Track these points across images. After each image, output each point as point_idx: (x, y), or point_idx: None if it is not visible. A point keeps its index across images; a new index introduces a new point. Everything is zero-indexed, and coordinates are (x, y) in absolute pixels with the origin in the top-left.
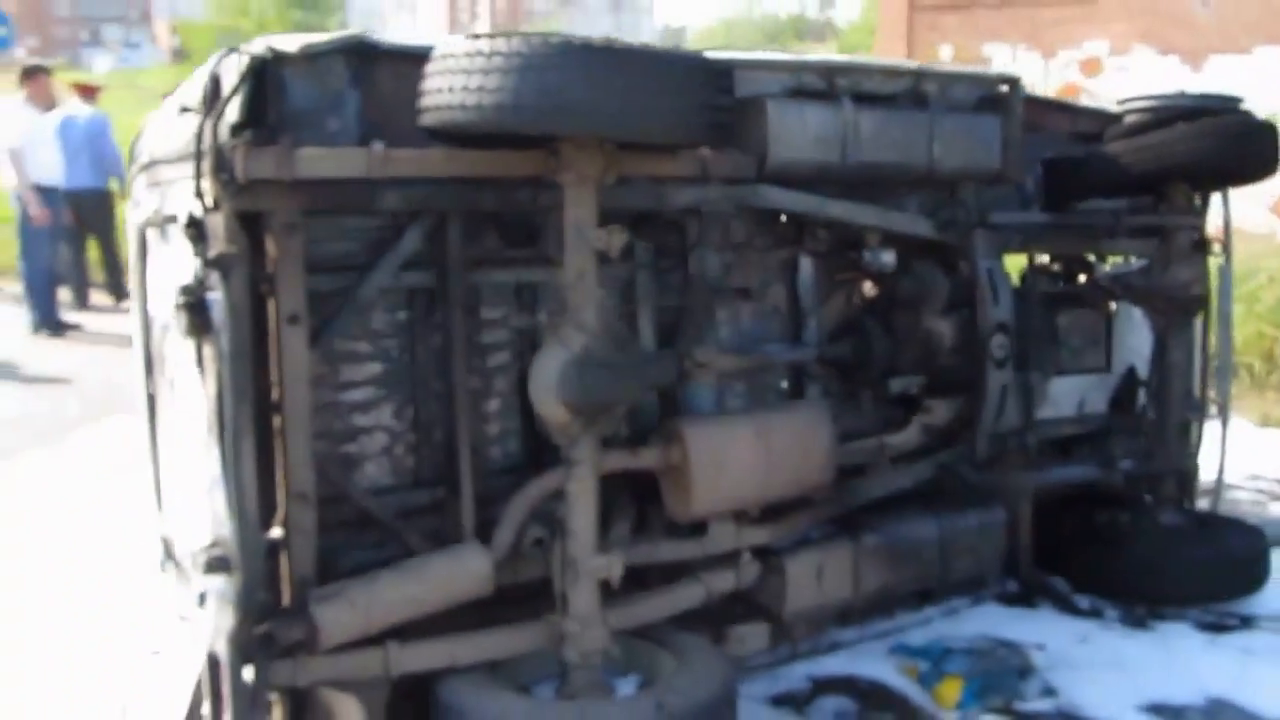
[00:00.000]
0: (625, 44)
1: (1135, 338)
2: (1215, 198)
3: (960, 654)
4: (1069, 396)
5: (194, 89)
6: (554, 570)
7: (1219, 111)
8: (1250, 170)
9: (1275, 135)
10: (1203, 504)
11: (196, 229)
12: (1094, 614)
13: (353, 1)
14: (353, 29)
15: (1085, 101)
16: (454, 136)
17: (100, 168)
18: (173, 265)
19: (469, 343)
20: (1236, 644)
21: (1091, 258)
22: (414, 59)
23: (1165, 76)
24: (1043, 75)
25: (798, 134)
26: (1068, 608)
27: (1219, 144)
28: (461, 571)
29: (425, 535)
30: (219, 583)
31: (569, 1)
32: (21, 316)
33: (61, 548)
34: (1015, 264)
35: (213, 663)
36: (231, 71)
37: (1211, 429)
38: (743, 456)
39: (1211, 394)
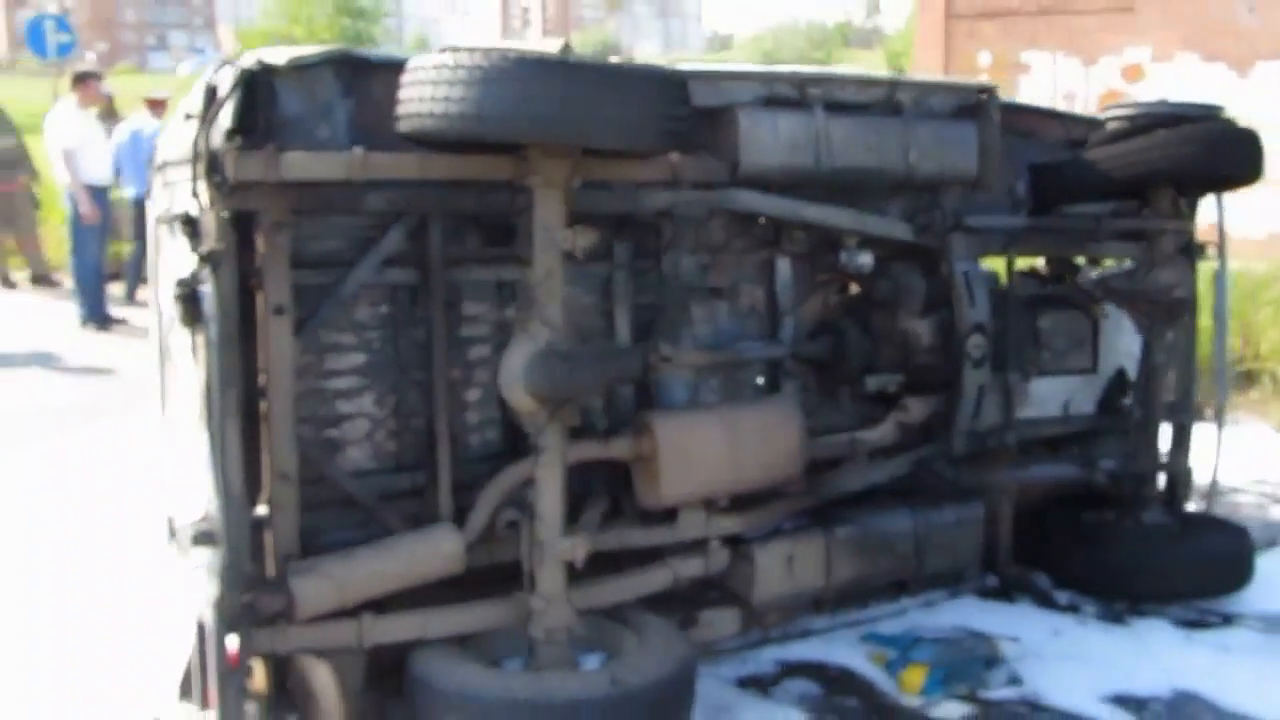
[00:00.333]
0: (579, 58)
1: (1125, 340)
2: (1217, 203)
3: (929, 643)
4: (1053, 397)
5: (196, 98)
6: (523, 551)
7: (1197, 119)
8: (1227, 176)
9: (1255, 142)
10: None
11: (191, 226)
12: (1072, 609)
13: (407, 8)
14: (342, 42)
15: None
16: (426, 142)
17: None
18: (176, 260)
19: (450, 336)
20: (1212, 640)
21: (1082, 260)
22: (401, 70)
23: (1210, 83)
24: (1083, 82)
25: (769, 140)
26: (1046, 603)
27: (1195, 150)
28: (433, 551)
29: (404, 517)
30: (206, 555)
31: (617, 8)
32: (73, 310)
33: (76, 526)
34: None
35: (201, 630)
36: (225, 82)
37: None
38: (710, 448)
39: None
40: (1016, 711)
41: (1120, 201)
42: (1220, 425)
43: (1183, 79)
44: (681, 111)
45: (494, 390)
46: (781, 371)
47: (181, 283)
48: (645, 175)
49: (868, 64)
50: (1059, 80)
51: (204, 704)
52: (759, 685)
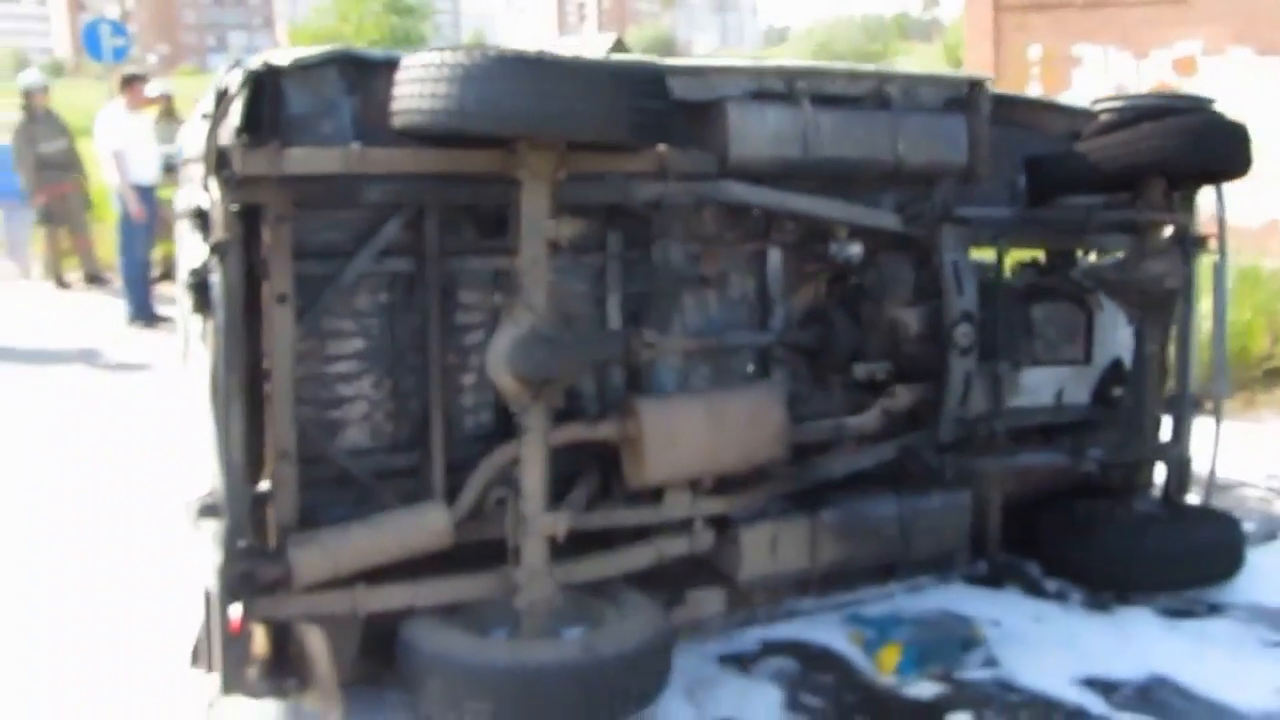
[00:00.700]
0: (554, 55)
1: (1122, 331)
2: (1217, 195)
3: (908, 624)
4: (1045, 387)
5: (209, 99)
6: (509, 526)
7: (1184, 111)
8: (1214, 168)
9: (1242, 135)
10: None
11: (202, 219)
12: (1059, 597)
13: (464, 4)
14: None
15: None
16: (418, 136)
17: None
18: (191, 252)
19: (446, 323)
20: (1193, 629)
21: (1081, 252)
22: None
23: (1264, 77)
24: (1135, 75)
25: (758, 133)
26: (1034, 590)
27: (1180, 142)
28: (423, 526)
29: (399, 494)
30: (211, 527)
31: (674, 3)
32: (122, 308)
33: (105, 505)
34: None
35: (206, 597)
36: (234, 83)
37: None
38: (694, 430)
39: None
40: (989, 692)
41: (1115, 193)
42: (1218, 416)
43: (1236, 72)
44: (658, 106)
45: (487, 375)
46: (771, 359)
47: (193, 272)
48: (633, 167)
49: (925, 57)
50: (1110, 73)
51: (209, 667)
52: (740, 662)
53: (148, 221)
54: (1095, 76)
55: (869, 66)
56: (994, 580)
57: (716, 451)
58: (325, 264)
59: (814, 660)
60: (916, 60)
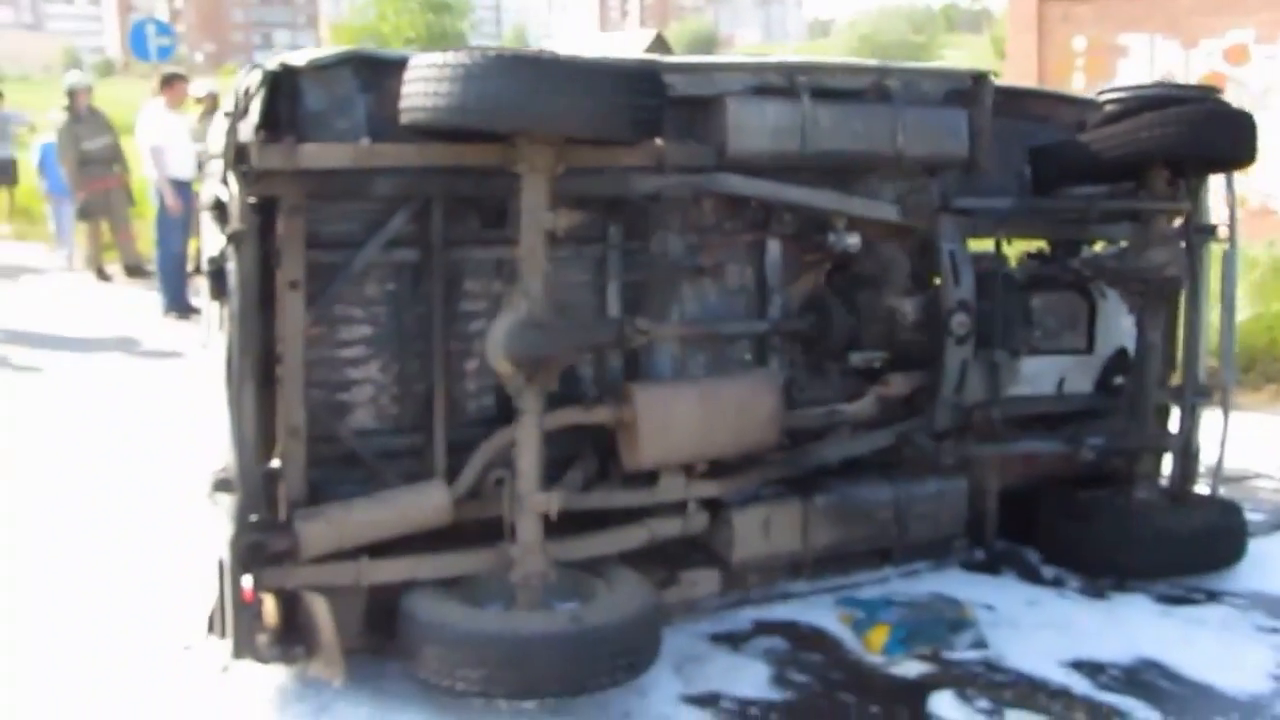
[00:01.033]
0: (551, 55)
1: (1127, 321)
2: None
3: (899, 606)
4: (1046, 376)
5: (231, 98)
6: (505, 505)
7: (1186, 101)
8: (1216, 156)
9: (1245, 124)
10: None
11: (221, 211)
12: (1055, 583)
13: (506, 1)
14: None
15: (1234, 92)
16: (424, 132)
17: None
18: (212, 241)
19: (451, 311)
20: (1187, 615)
21: (1090, 244)
22: None
23: None
24: (1183, 64)
25: (756, 127)
26: (1031, 576)
27: (1181, 131)
28: (423, 503)
29: (403, 474)
30: (225, 500)
31: None
32: (158, 300)
33: (135, 483)
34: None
35: (220, 567)
36: (253, 83)
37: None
38: (687, 416)
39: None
40: (974, 671)
41: (1119, 183)
42: (1226, 406)
43: None
44: (651, 102)
45: None
46: (769, 347)
47: (211, 260)
48: (631, 161)
49: (973, 49)
50: (1157, 63)
51: (223, 634)
52: (731, 641)
53: (184, 215)
54: (1141, 67)
55: (870, 61)
56: (991, 567)
57: (709, 436)
58: (337, 253)
59: (804, 640)
60: (963, 53)
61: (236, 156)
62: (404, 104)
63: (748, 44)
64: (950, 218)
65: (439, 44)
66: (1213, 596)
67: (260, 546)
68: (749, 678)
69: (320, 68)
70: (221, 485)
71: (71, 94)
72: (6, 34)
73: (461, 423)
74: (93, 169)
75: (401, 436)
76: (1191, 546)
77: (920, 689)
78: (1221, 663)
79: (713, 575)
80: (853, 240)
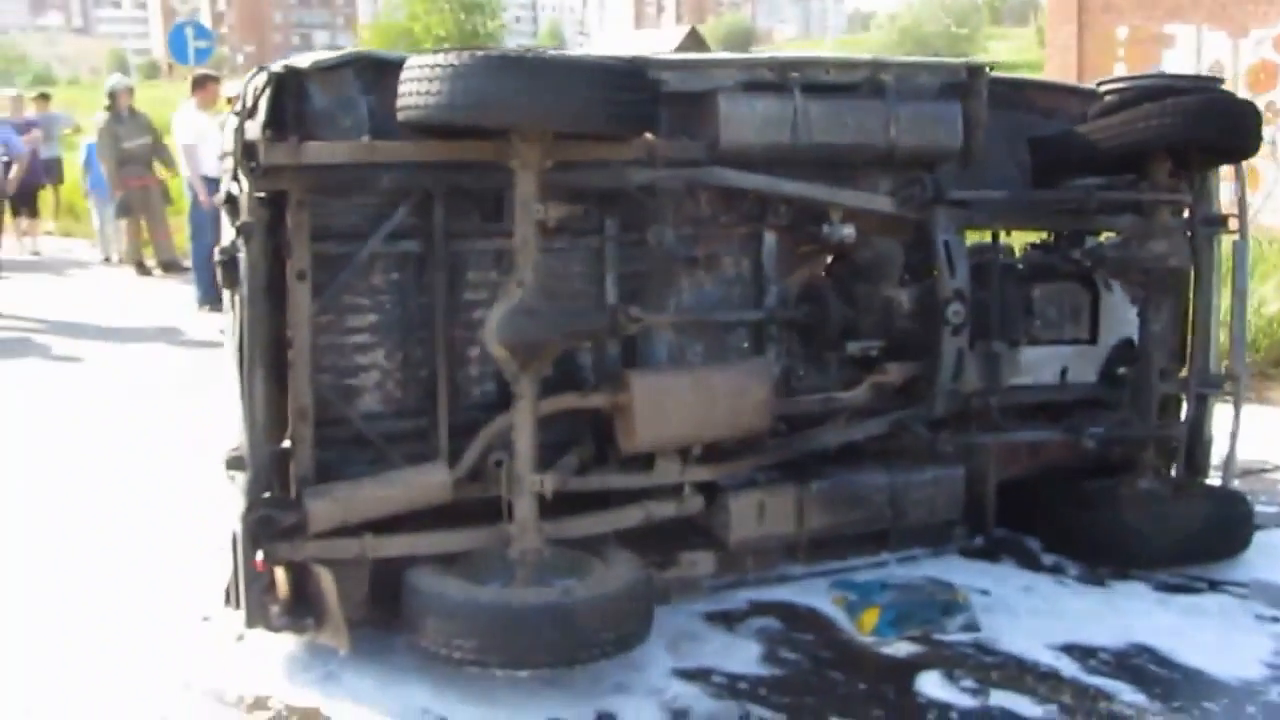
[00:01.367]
0: (536, 54)
1: (1135, 311)
2: (1237, 175)
3: (892, 589)
4: (1048, 366)
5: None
6: (503, 485)
7: (1186, 91)
8: (1216, 147)
9: (1248, 114)
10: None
11: (232, 204)
12: (1055, 570)
13: None
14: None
15: None
16: (417, 128)
17: None
18: (225, 234)
19: (455, 300)
20: (1185, 603)
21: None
22: None
23: None
24: (1231, 55)
25: (747, 121)
26: (1030, 563)
27: (1179, 121)
28: (425, 482)
29: (408, 456)
30: (238, 477)
31: None
32: (193, 293)
33: (167, 464)
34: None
35: (234, 540)
36: (261, 84)
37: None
38: (681, 401)
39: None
40: (964, 653)
41: (1111, 175)
42: (1238, 397)
43: None
44: (633, 97)
45: None
46: (767, 336)
47: (222, 250)
48: (623, 155)
49: (1018, 40)
50: (1204, 53)
51: (237, 605)
52: (727, 620)
53: (216, 211)
54: (1187, 57)
55: (864, 56)
56: (991, 554)
57: (702, 421)
58: (344, 245)
59: (797, 620)
60: (1007, 45)
61: (245, 154)
62: (400, 103)
63: (786, 39)
64: (945, 209)
65: (470, 43)
66: (1214, 585)
67: (270, 521)
68: (741, 655)
69: (324, 69)
70: (234, 463)
71: (112, 95)
72: (57, 37)
73: (465, 407)
74: (131, 168)
75: (407, 420)
76: (1192, 536)
77: (908, 668)
78: (1216, 649)
79: (709, 557)
80: (847, 231)
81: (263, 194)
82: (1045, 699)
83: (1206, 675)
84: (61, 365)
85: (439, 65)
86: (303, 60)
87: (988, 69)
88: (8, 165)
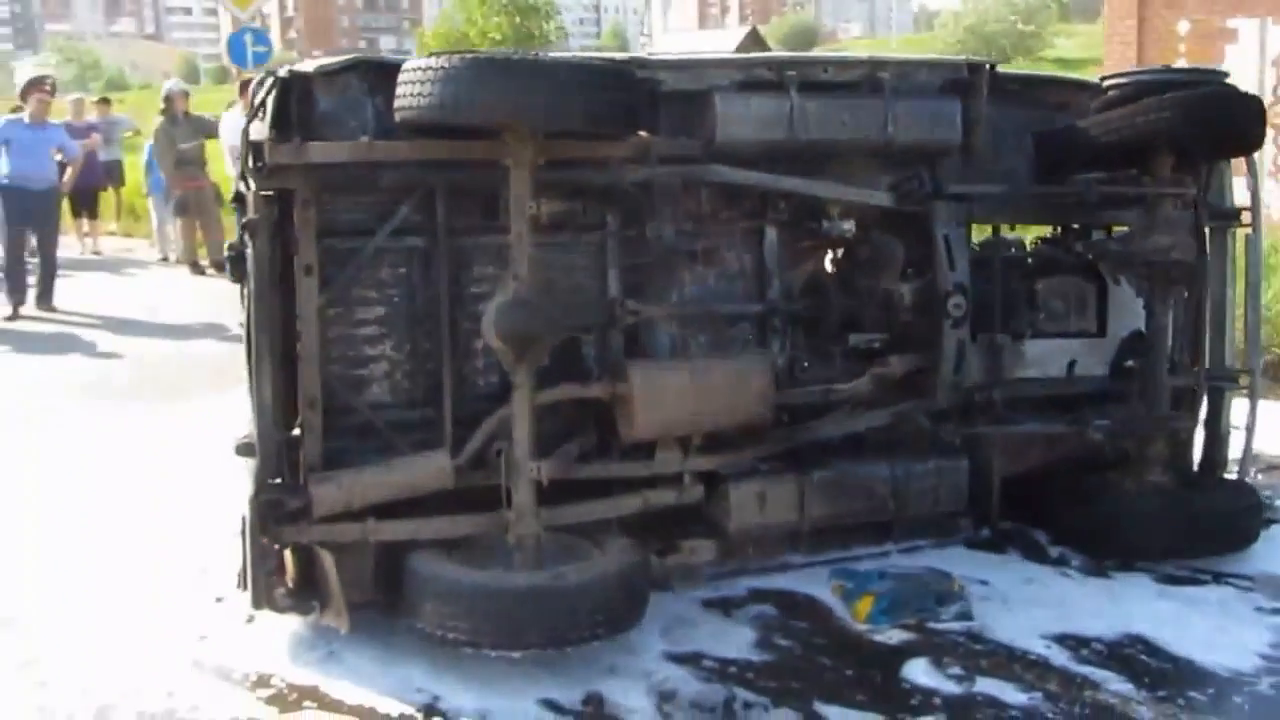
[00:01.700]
0: (522, 56)
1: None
2: (1249, 169)
3: (890, 578)
4: (1055, 358)
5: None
6: (503, 472)
7: (1187, 85)
8: (1216, 140)
9: (1250, 108)
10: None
11: (240, 202)
12: (1059, 562)
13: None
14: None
15: None
16: (414, 129)
17: None
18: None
19: (460, 292)
20: (1187, 595)
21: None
22: None
23: None
24: None
25: (743, 118)
26: (1035, 555)
27: (1179, 115)
28: (427, 469)
29: (414, 444)
30: (248, 463)
31: None
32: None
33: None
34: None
35: (243, 523)
36: (267, 88)
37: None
38: (680, 391)
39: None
40: (955, 641)
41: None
42: (1254, 391)
43: None
44: (619, 98)
45: None
46: (770, 329)
47: (231, 246)
48: (617, 153)
49: (1086, 37)
50: (1269, 47)
51: (245, 587)
52: (724, 606)
53: None
54: (1250, 51)
55: (862, 54)
56: (997, 546)
57: (701, 411)
58: (351, 240)
59: (794, 608)
60: (1074, 41)
61: (252, 154)
62: (396, 104)
63: (850, 38)
64: (945, 203)
65: (524, 46)
66: (1218, 578)
67: (277, 505)
68: (734, 640)
69: (330, 73)
70: (244, 449)
71: (168, 99)
72: (130, 44)
73: (470, 397)
74: (186, 169)
75: (414, 409)
76: (1201, 529)
77: (898, 655)
78: (1211, 641)
79: (710, 545)
80: (847, 226)
81: (268, 192)
82: (1031, 687)
83: (1197, 665)
84: (102, 361)
85: (430, 68)
86: (309, 65)
87: (988, 66)
88: (64, 168)
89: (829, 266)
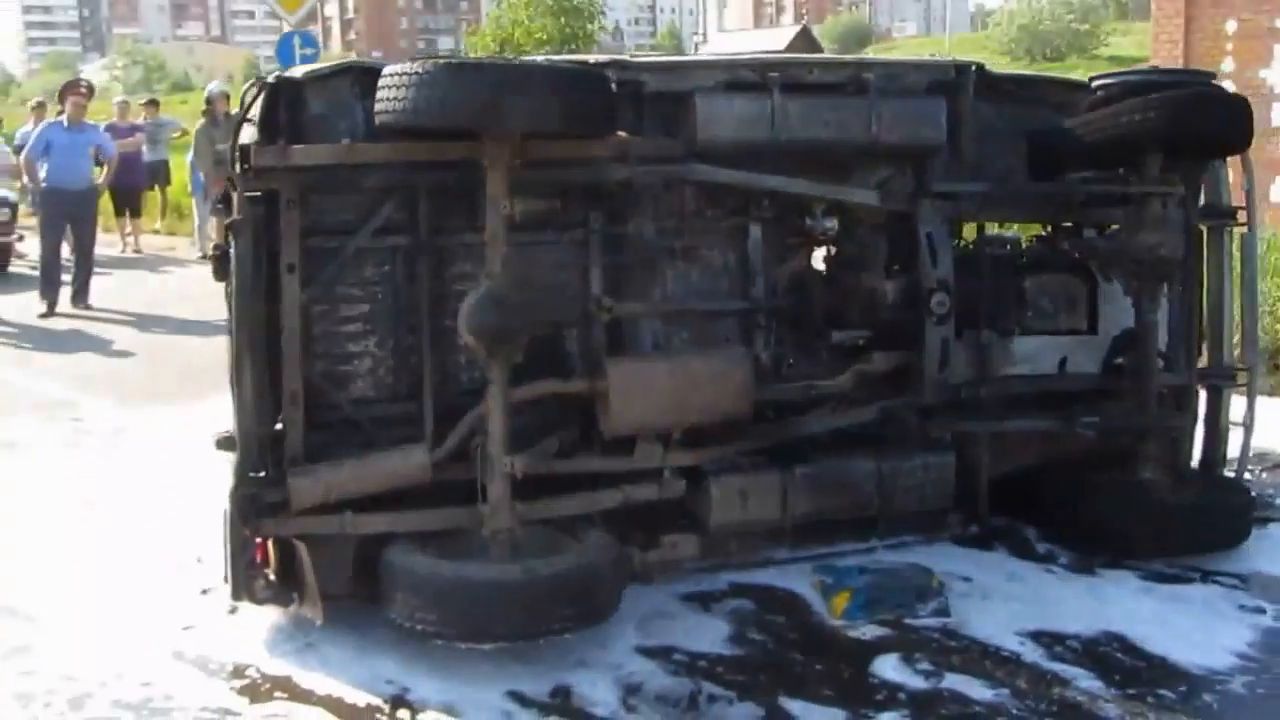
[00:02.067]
0: (493, 60)
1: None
2: (1244, 168)
3: (870, 573)
4: (1045, 356)
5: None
6: (478, 466)
7: (1172, 85)
8: (1199, 140)
9: (1234, 108)
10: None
11: (226, 203)
12: (1047, 559)
13: (662, 0)
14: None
15: None
16: (392, 132)
17: None
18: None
19: (443, 290)
20: (1171, 593)
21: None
22: None
23: None
24: None
25: (724, 119)
26: (1021, 552)
27: (1162, 115)
28: (404, 463)
29: (396, 438)
30: (229, 457)
31: None
32: None
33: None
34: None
35: (225, 516)
36: (255, 93)
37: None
38: (658, 387)
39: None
40: (930, 637)
41: (1099, 169)
42: (1252, 389)
43: None
44: (589, 100)
45: None
46: (754, 325)
47: (215, 245)
48: (597, 153)
49: (1141, 35)
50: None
51: (226, 577)
52: (703, 601)
53: None
54: None
55: (847, 56)
56: (985, 542)
57: (680, 407)
58: (334, 240)
59: (773, 603)
60: (1130, 40)
61: (239, 156)
62: (376, 108)
63: (905, 38)
64: (929, 201)
65: (569, 47)
66: (1207, 576)
67: (255, 498)
68: (708, 635)
69: (320, 78)
70: (224, 443)
71: (209, 101)
72: (196, 47)
73: (453, 392)
74: (224, 169)
75: (398, 404)
76: (1188, 526)
77: (870, 650)
78: (1189, 639)
79: (693, 540)
80: (831, 224)
81: (254, 193)
82: (999, 683)
83: (1171, 663)
84: (126, 357)
85: (405, 73)
86: (299, 70)
87: (974, 67)
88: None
89: (814, 264)
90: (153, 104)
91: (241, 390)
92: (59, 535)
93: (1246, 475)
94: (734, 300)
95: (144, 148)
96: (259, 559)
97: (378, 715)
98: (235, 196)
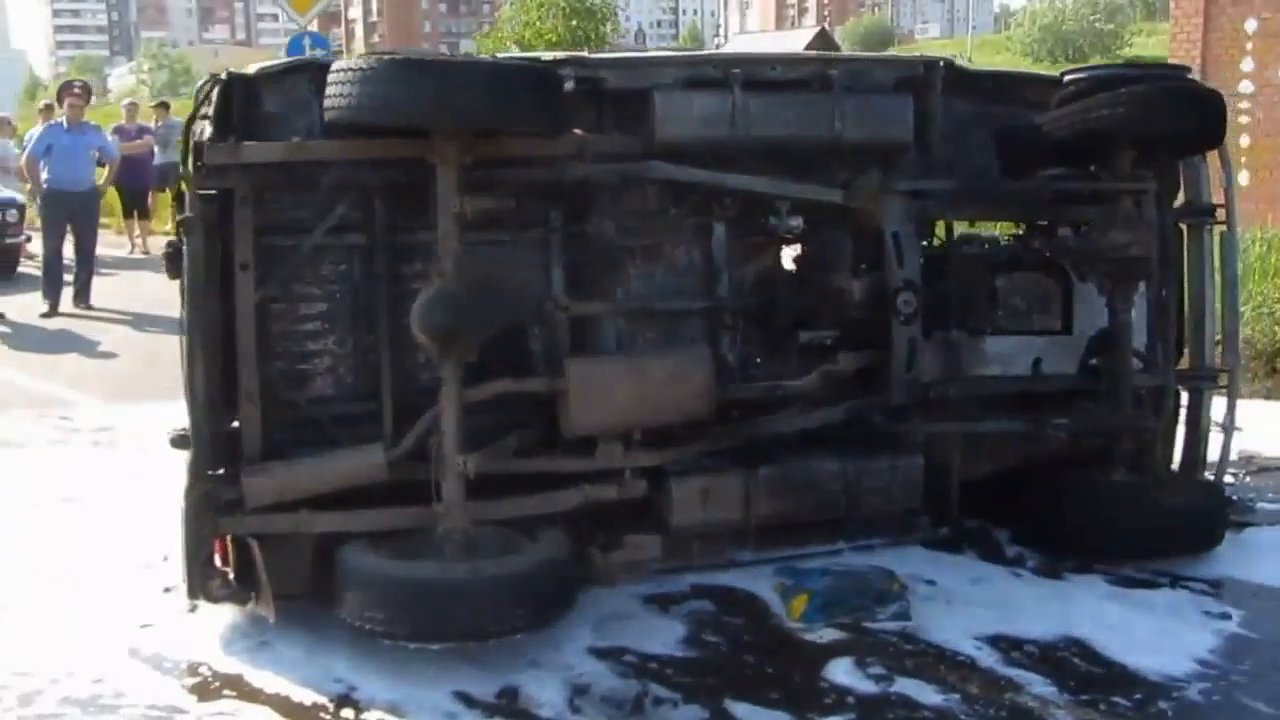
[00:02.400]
0: (440, 58)
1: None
2: (1223, 164)
3: (831, 576)
4: (1018, 356)
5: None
6: (433, 465)
7: (1140, 80)
8: (1170, 136)
9: (1206, 104)
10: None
11: (179, 201)
12: (1015, 562)
13: (685, 1)
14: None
15: None
16: (341, 129)
17: None
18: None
19: (401, 289)
20: (1136, 598)
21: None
22: None
23: None
24: None
25: (684, 116)
26: (990, 555)
27: (1133, 111)
28: (360, 462)
29: (355, 437)
30: (184, 455)
31: None
32: None
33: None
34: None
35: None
36: (208, 90)
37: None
38: (618, 387)
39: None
40: (886, 641)
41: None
42: (1233, 390)
43: None
44: (536, 97)
45: None
46: (720, 325)
47: (168, 243)
48: (552, 151)
49: (1165, 37)
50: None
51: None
52: (662, 602)
53: None
54: None
55: (810, 53)
56: (954, 545)
57: (640, 407)
58: (290, 238)
59: (732, 605)
60: (1155, 40)
61: (193, 154)
62: (325, 105)
63: (927, 39)
64: (895, 200)
65: (580, 48)
66: (1175, 581)
67: (211, 496)
68: (663, 636)
69: (275, 75)
70: (179, 441)
71: None
72: (222, 50)
73: (413, 391)
74: None
75: (357, 403)
76: (1158, 529)
77: (824, 654)
78: (1149, 645)
79: (655, 541)
80: (795, 223)
81: (207, 191)
82: (951, 688)
83: (1128, 670)
84: (124, 357)
85: (351, 70)
86: (252, 68)
87: (942, 64)
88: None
89: (780, 263)
90: (163, 106)
91: (194, 389)
92: (31, 532)
93: (1228, 478)
94: (699, 299)
95: (155, 150)
96: (218, 557)
97: (323, 714)
98: (188, 194)
